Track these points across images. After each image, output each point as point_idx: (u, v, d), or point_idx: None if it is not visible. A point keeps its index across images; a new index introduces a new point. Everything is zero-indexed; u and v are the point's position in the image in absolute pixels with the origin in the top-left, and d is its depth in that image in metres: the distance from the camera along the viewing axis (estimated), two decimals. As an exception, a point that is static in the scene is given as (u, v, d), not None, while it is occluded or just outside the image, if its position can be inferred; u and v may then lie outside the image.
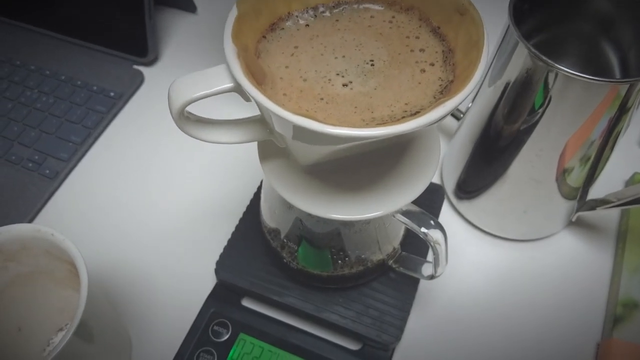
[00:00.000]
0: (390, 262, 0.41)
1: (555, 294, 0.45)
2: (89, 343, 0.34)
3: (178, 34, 0.66)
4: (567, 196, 0.44)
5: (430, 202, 0.47)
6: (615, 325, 0.41)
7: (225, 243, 0.45)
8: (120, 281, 0.47)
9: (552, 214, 0.46)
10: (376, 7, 0.30)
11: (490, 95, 0.41)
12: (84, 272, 0.33)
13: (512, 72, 0.37)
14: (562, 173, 0.41)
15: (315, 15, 0.30)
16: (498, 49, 0.40)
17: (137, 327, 0.44)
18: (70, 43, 0.64)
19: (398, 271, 0.42)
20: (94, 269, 0.47)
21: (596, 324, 0.44)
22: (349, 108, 0.26)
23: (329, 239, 0.37)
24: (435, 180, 0.51)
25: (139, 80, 0.61)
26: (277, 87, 0.27)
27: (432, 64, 0.27)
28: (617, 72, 0.41)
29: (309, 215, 0.34)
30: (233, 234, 0.45)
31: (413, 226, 0.33)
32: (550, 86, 0.35)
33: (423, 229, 0.33)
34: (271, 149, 0.34)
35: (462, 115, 0.50)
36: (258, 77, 0.26)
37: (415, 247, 0.43)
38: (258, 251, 0.44)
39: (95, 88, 0.60)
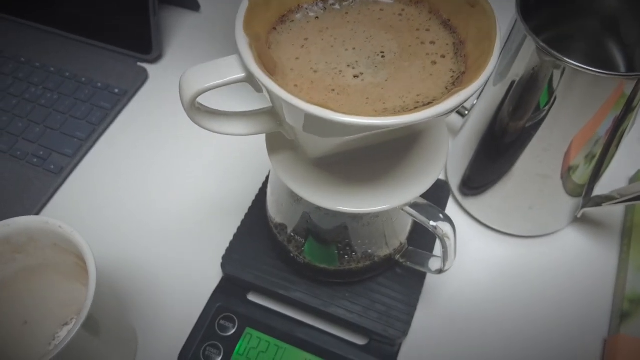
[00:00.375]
0: (397, 256, 0.41)
1: (561, 290, 0.45)
2: (95, 336, 0.34)
3: (182, 32, 0.66)
4: (573, 193, 0.44)
5: (435, 198, 0.47)
6: (622, 321, 0.41)
7: (231, 237, 0.45)
8: (126, 275, 0.47)
9: (557, 210, 0.46)
10: (385, 0, 0.30)
11: (496, 92, 0.41)
12: (93, 265, 0.33)
13: (519, 68, 0.38)
14: (568, 170, 0.41)
15: (325, 8, 0.30)
16: (504, 46, 0.40)
17: (143, 321, 0.44)
18: (75, 40, 0.64)
19: (404, 266, 0.42)
20: (100, 263, 0.46)
21: (603, 319, 0.44)
22: (360, 99, 0.26)
23: (336, 233, 0.37)
24: (440, 176, 0.51)
25: (143, 77, 0.61)
26: (288, 78, 0.27)
27: (443, 56, 0.28)
28: (622, 70, 0.41)
29: (317, 208, 0.34)
30: (239, 228, 0.45)
31: (422, 219, 0.33)
32: (556, 81, 0.35)
33: (432, 222, 0.33)
34: (279, 141, 0.34)
35: (467, 112, 0.50)
36: (269, 68, 0.26)
37: (420, 242, 0.43)
38: (264, 245, 0.44)
39: (99, 85, 0.60)
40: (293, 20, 0.29)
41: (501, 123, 0.41)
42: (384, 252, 0.40)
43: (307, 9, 0.30)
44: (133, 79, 0.61)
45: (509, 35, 0.39)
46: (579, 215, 0.47)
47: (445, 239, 0.34)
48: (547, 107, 0.37)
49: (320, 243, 0.39)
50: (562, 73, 0.35)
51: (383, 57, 0.28)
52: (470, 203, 0.49)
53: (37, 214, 0.51)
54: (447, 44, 0.28)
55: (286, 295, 0.42)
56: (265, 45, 0.27)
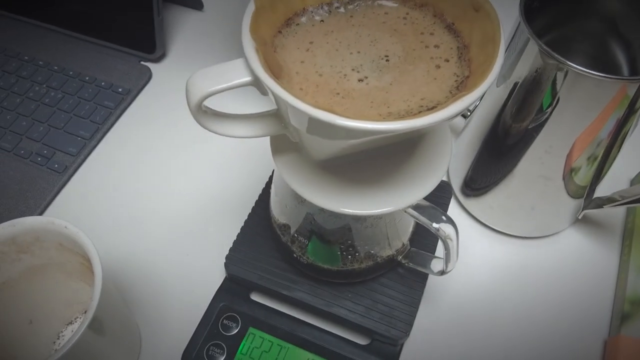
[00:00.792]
0: (400, 257, 0.42)
1: (562, 291, 0.46)
2: (100, 336, 0.35)
3: (185, 31, 0.67)
4: (574, 194, 0.44)
5: (438, 198, 0.48)
6: (622, 322, 0.42)
7: (234, 237, 0.45)
8: (130, 275, 0.47)
9: (559, 211, 0.46)
10: (390, 3, 0.30)
11: (499, 93, 0.41)
12: (98, 265, 0.34)
13: (522, 70, 0.38)
14: (570, 171, 0.41)
15: (330, 11, 0.30)
16: (508, 47, 0.40)
17: (147, 320, 0.44)
18: (78, 39, 0.65)
19: (407, 267, 0.42)
20: (104, 262, 0.47)
21: (603, 320, 0.44)
22: (365, 103, 0.26)
23: (339, 234, 0.38)
24: (443, 177, 0.52)
25: (146, 76, 0.61)
26: (293, 81, 0.27)
27: (447, 60, 0.28)
28: (625, 71, 0.41)
29: (321, 209, 0.35)
30: (242, 228, 0.45)
31: (424, 221, 0.33)
32: (559, 84, 0.35)
33: (434, 224, 0.33)
34: (284, 143, 0.34)
35: (469, 113, 0.50)
36: (275, 71, 0.26)
37: (423, 243, 0.44)
38: (267, 245, 0.44)
39: (103, 84, 0.60)
40: (298, 24, 0.29)
41: (504, 124, 0.42)
42: (387, 252, 0.40)
43: (312, 12, 0.30)
44: (136, 78, 0.61)
45: (513, 37, 0.39)
46: (580, 217, 0.47)
47: (448, 241, 0.34)
48: (549, 109, 0.37)
49: (324, 243, 0.39)
50: (565, 75, 0.35)
51: (387, 60, 0.28)
52: (472, 204, 0.49)
53: (41, 213, 0.51)
54: (451, 48, 0.28)
55: (289, 295, 0.42)
56: (271, 49, 0.28)
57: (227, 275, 0.45)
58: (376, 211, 0.32)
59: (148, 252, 0.48)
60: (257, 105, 0.39)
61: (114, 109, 0.58)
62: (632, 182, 0.51)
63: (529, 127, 0.39)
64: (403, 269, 0.43)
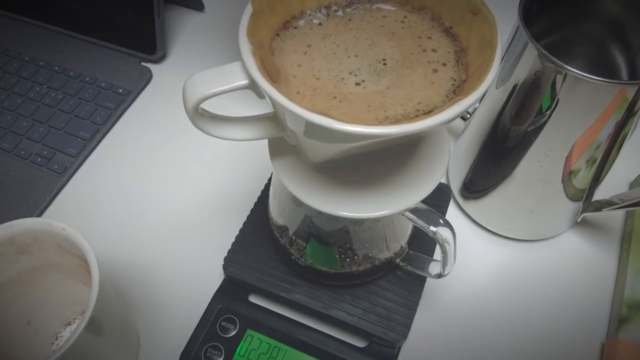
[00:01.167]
0: (398, 260, 0.42)
1: (560, 294, 0.46)
2: (98, 337, 0.35)
3: (186, 32, 0.67)
4: (573, 197, 0.44)
5: (436, 201, 0.48)
6: (620, 326, 0.42)
7: (233, 239, 0.45)
8: (129, 276, 0.47)
9: (557, 214, 0.46)
10: (388, 7, 0.30)
11: (498, 96, 0.41)
12: (96, 267, 0.34)
13: (521, 73, 0.38)
14: (569, 174, 0.41)
15: (328, 14, 0.30)
16: (507, 50, 0.40)
17: (145, 321, 0.45)
18: (79, 40, 0.65)
19: (405, 269, 0.42)
20: (102, 263, 0.47)
21: (601, 324, 0.44)
22: (362, 106, 0.26)
23: (337, 236, 0.38)
24: (442, 179, 0.52)
25: (147, 77, 0.62)
26: (291, 85, 0.27)
27: (444, 64, 0.28)
28: (624, 74, 0.41)
29: (319, 212, 0.35)
30: (241, 230, 0.45)
31: (422, 224, 0.33)
32: (558, 87, 0.35)
33: (432, 228, 0.33)
34: (281, 146, 0.34)
35: (469, 116, 0.50)
36: (272, 75, 0.26)
37: (421, 245, 0.44)
38: (266, 247, 0.44)
39: (103, 84, 0.60)
40: (296, 27, 0.29)
41: (503, 127, 0.42)
42: (385, 255, 0.40)
43: (310, 15, 0.30)
44: (137, 79, 0.61)
45: (512, 40, 0.39)
46: (579, 220, 0.47)
47: (445, 244, 0.34)
48: (548, 112, 0.37)
49: (322, 246, 0.39)
50: (564, 79, 0.35)
51: (385, 64, 0.28)
52: (471, 206, 0.49)
53: (41, 213, 0.51)
54: (449, 52, 0.28)
55: (287, 297, 0.42)
56: (268, 52, 0.28)
57: (226, 277, 0.45)
58: (374, 214, 0.32)
59: (147, 253, 0.48)
60: (255, 107, 0.39)
61: (114, 110, 0.58)
62: (632, 185, 0.51)
63: (528, 129, 0.39)
64: (401, 272, 0.43)
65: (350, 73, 0.27)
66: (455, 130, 0.55)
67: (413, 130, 0.23)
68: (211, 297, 0.44)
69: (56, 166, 0.54)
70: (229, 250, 0.44)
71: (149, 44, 0.62)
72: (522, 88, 0.38)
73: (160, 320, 0.45)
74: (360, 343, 0.42)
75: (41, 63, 0.62)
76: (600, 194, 0.45)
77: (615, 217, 0.50)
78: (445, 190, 0.49)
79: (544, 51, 0.35)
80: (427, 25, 0.29)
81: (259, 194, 0.48)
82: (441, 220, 0.34)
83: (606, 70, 0.42)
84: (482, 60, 0.26)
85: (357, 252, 0.39)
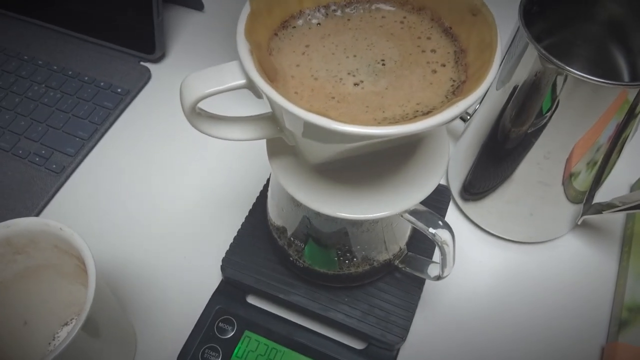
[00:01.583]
0: (397, 262, 0.41)
1: (560, 297, 0.45)
2: (95, 338, 0.35)
3: (185, 32, 0.66)
4: (573, 199, 0.44)
5: (436, 202, 0.48)
6: (620, 329, 0.41)
7: (231, 240, 0.45)
8: (126, 276, 0.47)
9: (558, 217, 0.46)
10: (388, 7, 0.30)
11: (498, 98, 0.41)
12: (92, 268, 0.33)
13: (521, 74, 0.37)
14: (569, 176, 0.41)
15: (327, 14, 0.30)
16: (507, 51, 0.40)
17: (143, 322, 0.44)
18: (78, 39, 0.65)
19: (404, 271, 0.42)
20: (100, 263, 0.47)
21: (601, 327, 0.44)
22: (360, 107, 0.26)
23: (336, 237, 0.38)
24: (441, 181, 0.51)
25: (146, 76, 0.61)
26: (289, 85, 0.27)
27: (444, 65, 0.27)
28: (626, 76, 0.41)
29: (317, 213, 0.34)
30: (239, 230, 0.45)
31: (421, 226, 0.33)
32: (559, 89, 0.35)
33: (431, 229, 0.33)
34: (280, 146, 0.34)
35: (469, 117, 0.50)
36: (270, 75, 0.26)
37: (420, 247, 0.43)
38: (264, 248, 0.44)
39: (102, 84, 0.60)
40: (295, 27, 0.29)
41: (503, 128, 0.41)
42: (384, 257, 0.40)
43: (308, 14, 0.30)
44: (136, 79, 0.61)
45: (512, 41, 0.39)
46: (579, 222, 0.47)
47: (444, 247, 0.34)
48: (549, 113, 0.37)
49: (320, 247, 0.39)
50: (565, 80, 0.34)
51: (383, 65, 0.28)
52: (471, 208, 0.49)
53: (39, 213, 0.51)
54: (448, 53, 0.28)
55: (285, 298, 0.42)
56: (266, 52, 0.27)
57: (224, 278, 0.44)
58: (372, 216, 0.32)
59: (144, 253, 0.48)
60: (253, 107, 0.39)
61: (113, 110, 0.58)
62: (632, 188, 0.51)
63: (528, 131, 0.39)
64: (400, 274, 0.43)
65: (348, 73, 0.27)
66: (455, 132, 0.54)
67: (411, 131, 0.23)
68: (209, 298, 0.44)
69: (54, 166, 0.54)
70: (227, 251, 0.44)
71: (148, 43, 0.61)
72: (523, 89, 0.38)
73: (158, 321, 0.44)
74: (358, 345, 0.42)
75: (40, 62, 0.62)
76: (600, 197, 0.45)
77: (615, 220, 0.49)
78: (445, 192, 0.49)
79: (544, 52, 0.34)
80: (427, 25, 0.29)
81: (258, 194, 0.48)
82: (440, 222, 0.33)
83: (607, 71, 0.42)
84: (481, 62, 0.26)
85: (355, 254, 0.39)
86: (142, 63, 0.63)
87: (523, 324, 0.44)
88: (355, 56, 0.28)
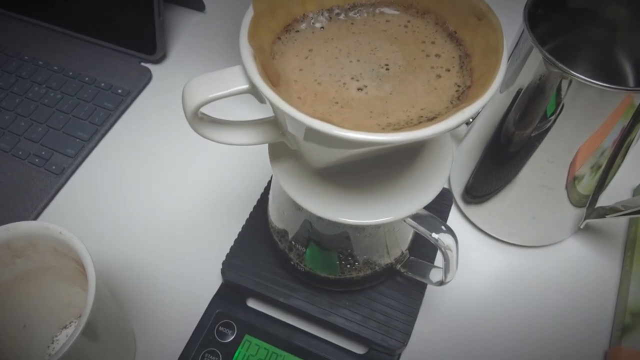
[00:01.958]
0: (399, 266, 0.41)
1: (563, 301, 0.45)
2: (94, 342, 0.34)
3: (186, 32, 0.66)
4: (577, 203, 0.43)
5: (438, 205, 0.47)
6: (623, 334, 0.41)
7: (232, 243, 0.44)
8: (126, 279, 0.47)
9: (560, 220, 0.46)
10: (392, 10, 0.30)
11: (502, 100, 0.41)
12: (92, 272, 0.33)
13: (525, 77, 0.37)
14: (573, 180, 0.41)
15: (330, 18, 0.30)
16: (511, 54, 0.39)
17: (142, 326, 0.44)
18: (78, 39, 0.64)
19: (405, 275, 0.42)
20: (100, 266, 0.47)
21: (604, 332, 0.43)
22: (364, 112, 0.26)
23: (337, 242, 0.37)
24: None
25: (146, 77, 0.61)
26: (292, 89, 0.27)
27: (448, 70, 0.27)
28: (631, 78, 0.41)
29: (319, 217, 0.34)
30: (240, 233, 0.45)
31: (424, 231, 0.33)
32: (563, 92, 0.35)
33: (434, 234, 0.33)
34: (282, 150, 0.33)
35: (471, 120, 0.50)
36: (273, 79, 0.26)
37: (422, 251, 0.43)
38: (265, 252, 0.44)
39: (103, 85, 0.60)
40: (298, 30, 0.29)
41: (507, 131, 0.41)
42: (385, 261, 0.40)
43: (312, 18, 0.30)
44: (136, 79, 0.61)
45: (517, 43, 0.39)
46: (582, 226, 0.47)
47: (447, 251, 0.33)
48: (553, 117, 0.37)
49: (322, 251, 0.39)
50: (569, 84, 0.34)
51: (387, 69, 0.27)
52: (473, 211, 0.49)
53: (38, 214, 0.51)
54: (453, 57, 0.28)
55: (286, 302, 0.42)
56: (269, 56, 0.27)
57: (224, 281, 0.44)
58: (375, 221, 0.31)
59: (145, 256, 0.48)
60: (256, 111, 0.39)
61: (113, 111, 0.58)
62: (635, 192, 0.51)
63: (532, 134, 0.39)
64: (402, 278, 0.42)
65: (352, 78, 0.27)
66: (457, 134, 0.54)
67: (415, 138, 0.23)
68: (209, 301, 0.43)
69: (54, 167, 0.53)
70: (227, 254, 0.44)
71: (148, 44, 0.61)
72: (527, 92, 0.38)
73: (158, 325, 0.44)
74: (359, 350, 0.42)
75: (40, 62, 0.62)
76: (604, 200, 0.45)
77: (618, 224, 0.49)
78: (447, 195, 0.49)
79: (548, 56, 0.34)
80: (431, 29, 0.29)
81: (259, 197, 0.48)
82: (443, 227, 0.33)
83: (612, 74, 0.42)
84: (487, 67, 0.26)
85: (357, 258, 0.39)
86: (142, 64, 0.62)
87: (525, 328, 0.44)
88: (358, 60, 0.28)
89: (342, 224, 0.35)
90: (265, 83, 0.24)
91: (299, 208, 0.36)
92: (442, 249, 0.33)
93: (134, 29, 0.61)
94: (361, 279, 0.40)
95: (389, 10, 0.30)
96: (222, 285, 0.44)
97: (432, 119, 0.25)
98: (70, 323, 0.44)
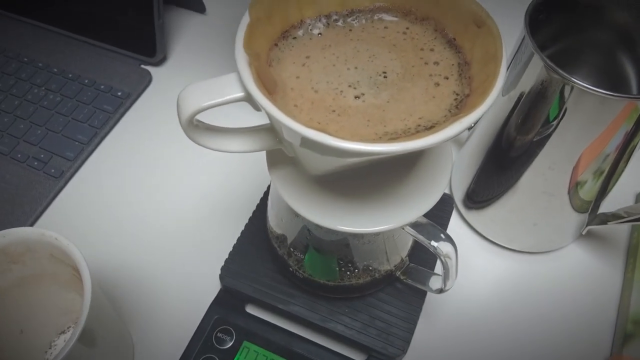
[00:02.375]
0: (398, 273, 0.41)
1: (564, 308, 0.45)
2: (91, 348, 0.34)
3: (186, 34, 0.66)
4: (579, 209, 0.43)
5: (438, 211, 0.47)
6: (625, 342, 0.41)
7: (230, 248, 0.44)
8: (124, 284, 0.46)
9: (562, 227, 0.45)
10: (390, 17, 0.30)
11: (503, 106, 0.40)
12: (88, 278, 0.33)
13: (527, 83, 0.37)
14: (575, 186, 0.40)
15: (328, 24, 0.29)
16: (512, 59, 0.39)
17: (140, 332, 0.44)
18: (78, 41, 0.64)
19: (405, 282, 0.41)
20: (98, 271, 0.46)
21: (606, 339, 0.43)
22: (361, 121, 0.25)
23: (336, 248, 0.37)
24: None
25: (146, 80, 0.61)
26: (288, 97, 0.26)
27: (447, 78, 0.27)
28: (634, 82, 0.40)
29: (317, 225, 0.34)
30: (239, 239, 0.45)
31: (422, 239, 0.33)
32: (565, 98, 0.35)
33: (433, 242, 0.32)
34: (280, 156, 0.33)
35: (473, 125, 0.49)
36: (269, 87, 0.25)
37: (422, 258, 0.43)
38: (264, 258, 0.43)
39: (102, 87, 0.59)
40: (295, 37, 0.29)
41: (508, 137, 0.41)
42: (385, 268, 0.39)
43: (309, 24, 0.29)
44: (136, 82, 0.60)
45: (518, 48, 0.38)
46: (584, 233, 0.46)
47: (447, 260, 0.33)
48: (555, 122, 0.36)
49: (321, 257, 0.39)
50: (571, 90, 0.34)
51: (385, 77, 0.27)
52: (474, 216, 0.48)
53: (37, 218, 0.50)
54: (452, 65, 0.27)
55: (285, 309, 0.41)
56: (265, 64, 0.27)
57: (222, 287, 0.44)
58: (373, 229, 0.31)
59: (143, 261, 0.48)
60: (252, 115, 0.38)
61: (113, 113, 0.57)
62: (638, 198, 0.50)
63: (534, 140, 0.39)
64: (401, 284, 0.42)
65: (349, 86, 0.27)
66: (459, 139, 0.54)
67: (413, 148, 0.22)
68: (207, 307, 0.43)
69: (53, 170, 0.53)
70: (226, 259, 0.44)
71: (148, 46, 0.61)
72: (528, 97, 0.37)
73: (155, 331, 0.44)
74: (358, 357, 0.41)
75: (40, 64, 0.62)
76: (606, 207, 0.44)
77: (621, 230, 0.49)
78: (448, 200, 0.48)
79: (550, 63, 0.34)
80: (430, 36, 0.28)
81: (258, 202, 0.47)
82: (442, 235, 0.33)
83: (614, 79, 0.41)
84: (486, 75, 0.25)
85: (356, 265, 0.38)
86: (142, 66, 0.62)
87: (526, 335, 0.43)
88: (356, 68, 0.27)
89: (341, 231, 0.34)
90: (260, 91, 0.24)
91: (297, 215, 0.36)
92: (442, 257, 0.33)
93: (134, 30, 0.61)
94: (360, 285, 0.40)
95: (387, 17, 0.29)
96: (220, 291, 0.44)
97: (430, 128, 0.24)
98: (68, 328, 0.43)
